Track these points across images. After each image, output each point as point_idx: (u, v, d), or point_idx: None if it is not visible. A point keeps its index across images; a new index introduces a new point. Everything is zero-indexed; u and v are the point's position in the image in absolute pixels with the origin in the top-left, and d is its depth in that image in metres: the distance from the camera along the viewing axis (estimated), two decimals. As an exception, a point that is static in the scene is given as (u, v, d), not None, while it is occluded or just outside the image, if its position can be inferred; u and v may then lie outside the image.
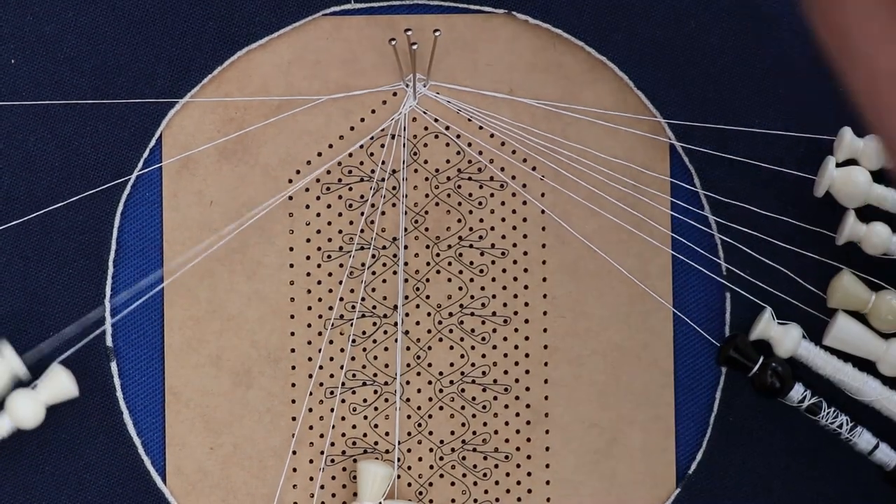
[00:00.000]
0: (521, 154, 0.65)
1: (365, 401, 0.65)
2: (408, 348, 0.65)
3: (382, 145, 0.65)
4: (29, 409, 0.61)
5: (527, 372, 0.65)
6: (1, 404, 0.62)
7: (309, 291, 0.65)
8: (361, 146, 0.65)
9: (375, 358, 0.65)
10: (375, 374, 0.65)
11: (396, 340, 0.65)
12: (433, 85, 0.65)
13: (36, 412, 0.61)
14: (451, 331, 0.65)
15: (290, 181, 0.65)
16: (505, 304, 0.65)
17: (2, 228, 0.64)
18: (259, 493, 0.64)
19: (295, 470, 0.64)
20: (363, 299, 0.65)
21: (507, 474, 0.64)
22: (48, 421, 0.63)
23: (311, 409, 0.64)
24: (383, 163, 0.65)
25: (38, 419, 0.61)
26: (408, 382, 0.65)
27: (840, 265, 0.64)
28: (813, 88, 0.64)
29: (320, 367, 0.64)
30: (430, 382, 0.65)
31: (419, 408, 0.65)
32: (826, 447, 0.64)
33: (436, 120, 0.65)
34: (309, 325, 0.65)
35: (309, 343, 0.64)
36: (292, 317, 0.64)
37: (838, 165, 0.62)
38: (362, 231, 0.65)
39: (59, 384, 0.62)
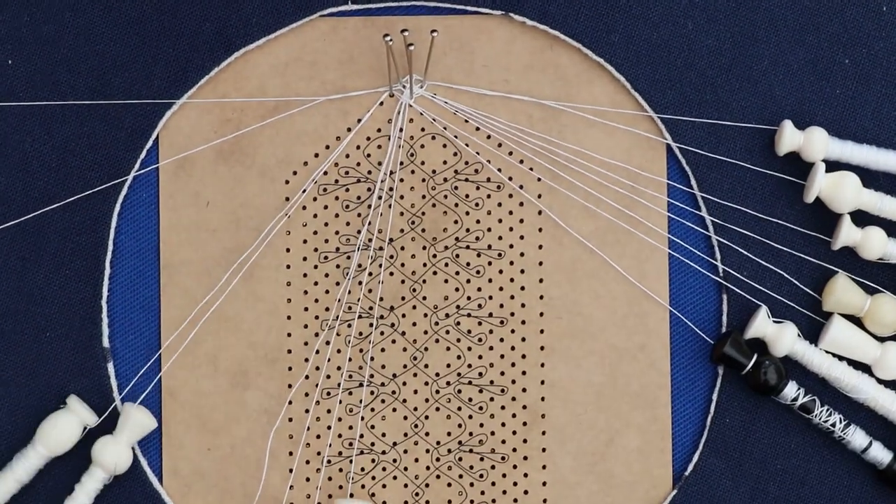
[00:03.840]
0: (517, 155, 0.65)
1: (361, 401, 0.65)
2: (404, 349, 0.65)
3: (379, 146, 0.65)
4: (119, 455, 0.62)
5: (523, 373, 0.65)
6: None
7: (305, 293, 0.65)
8: (358, 147, 0.65)
9: (372, 359, 0.65)
10: (372, 376, 0.65)
11: (394, 342, 0.65)
12: (430, 86, 0.65)
13: (124, 456, 0.62)
14: (447, 332, 0.65)
15: (287, 182, 0.65)
16: (501, 306, 0.65)
17: (-1, 229, 0.64)
18: (256, 493, 0.64)
19: (291, 471, 0.64)
20: (359, 300, 0.65)
21: (504, 475, 0.65)
22: (45, 422, 0.64)
23: (307, 410, 0.64)
24: (380, 164, 0.65)
25: (128, 462, 0.62)
26: (404, 384, 0.65)
27: (836, 268, 0.64)
28: (809, 90, 0.64)
29: (317, 368, 0.65)
30: (426, 384, 0.65)
31: (416, 409, 0.65)
32: (821, 449, 0.64)
33: (433, 121, 0.65)
34: (306, 326, 0.65)
35: (305, 344, 0.65)
36: (289, 318, 0.65)
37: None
38: (358, 232, 0.65)
39: (138, 422, 0.62)
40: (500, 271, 0.65)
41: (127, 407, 0.63)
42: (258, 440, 0.64)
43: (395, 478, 0.65)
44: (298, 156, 0.65)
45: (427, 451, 0.65)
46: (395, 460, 0.64)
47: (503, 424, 0.64)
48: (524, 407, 0.64)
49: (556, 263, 0.65)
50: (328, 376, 0.65)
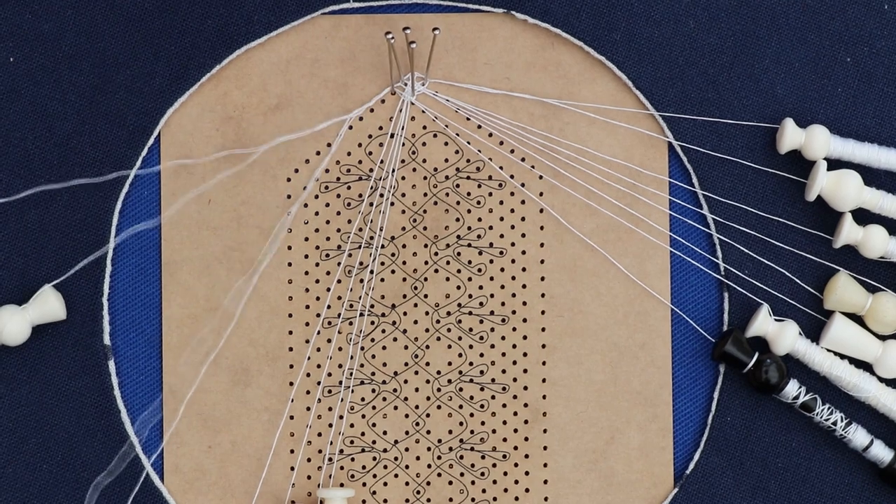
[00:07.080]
0: (519, 153, 0.65)
1: (363, 399, 0.65)
2: (405, 347, 0.65)
3: (381, 144, 0.65)
4: (16, 326, 0.62)
5: (525, 371, 0.65)
6: None
7: (307, 290, 0.65)
8: (360, 145, 0.65)
9: (373, 356, 0.65)
10: (373, 373, 0.65)
11: (395, 339, 0.65)
12: (432, 83, 0.65)
13: (22, 329, 0.62)
14: (449, 330, 0.65)
15: (289, 180, 0.65)
16: (503, 303, 0.65)
17: (0, 226, 0.64)
18: (256, 491, 0.64)
19: (293, 468, 0.64)
20: (361, 298, 0.65)
21: (505, 473, 0.65)
22: (45, 420, 0.64)
23: (308, 408, 0.64)
24: (381, 161, 0.65)
25: (25, 335, 0.62)
26: (405, 381, 0.65)
27: (837, 266, 0.64)
28: (811, 88, 0.64)
29: (318, 366, 0.65)
30: (427, 381, 0.65)
31: (417, 406, 0.65)
32: (822, 448, 0.64)
33: (434, 119, 0.65)
34: (307, 324, 0.65)
35: (307, 342, 0.65)
36: (290, 315, 0.65)
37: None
38: (360, 230, 0.65)
39: (48, 305, 0.62)
40: (502, 269, 0.65)
41: (46, 291, 0.63)
42: (259, 438, 0.64)
43: (396, 475, 0.65)
44: (300, 153, 0.65)
45: (428, 448, 0.65)
46: (396, 458, 0.64)
47: (504, 422, 0.64)
48: (525, 405, 0.64)
49: (558, 261, 0.65)
50: (329, 374, 0.65)
